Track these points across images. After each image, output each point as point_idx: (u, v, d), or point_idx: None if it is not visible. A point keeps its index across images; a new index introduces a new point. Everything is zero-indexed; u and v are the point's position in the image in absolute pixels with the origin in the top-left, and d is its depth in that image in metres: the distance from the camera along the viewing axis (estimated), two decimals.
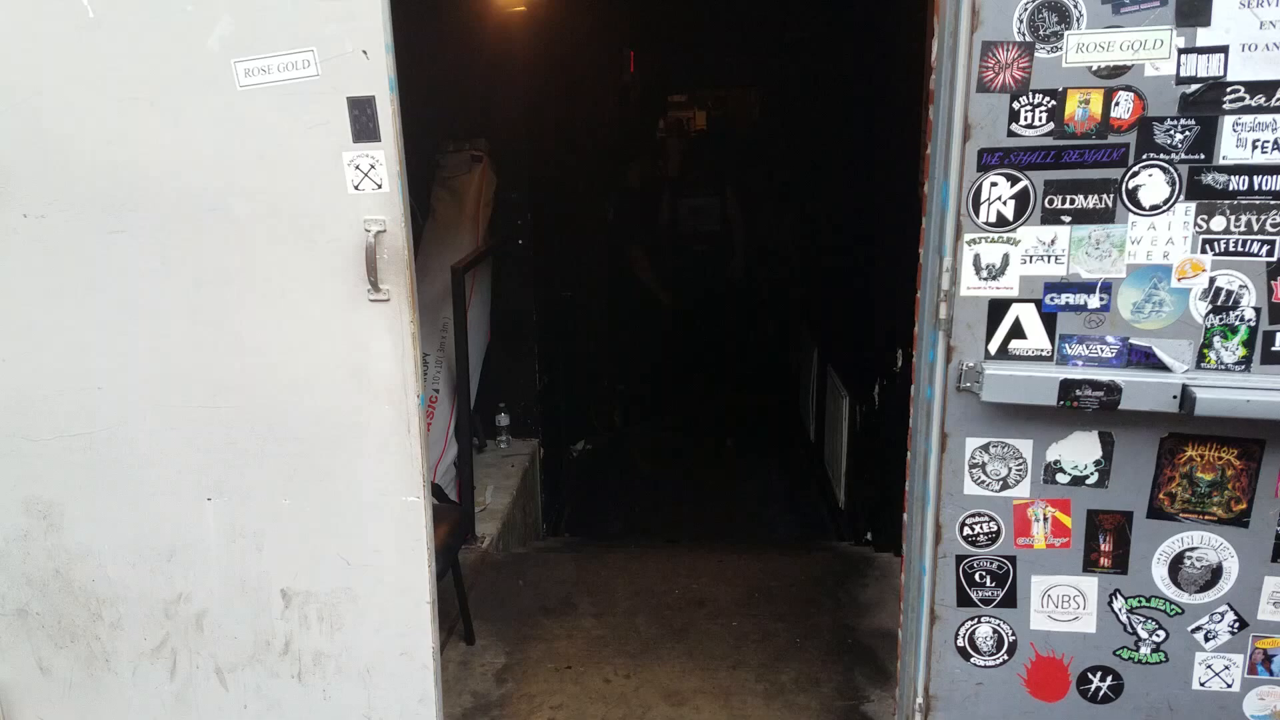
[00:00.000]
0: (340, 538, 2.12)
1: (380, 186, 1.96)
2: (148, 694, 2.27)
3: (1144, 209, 1.81)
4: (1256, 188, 1.76)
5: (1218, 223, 1.79)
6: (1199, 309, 1.83)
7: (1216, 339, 1.82)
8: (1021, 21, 1.77)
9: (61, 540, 2.19)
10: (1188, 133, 1.77)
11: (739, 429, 6.02)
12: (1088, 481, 1.91)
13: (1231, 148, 1.75)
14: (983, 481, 1.93)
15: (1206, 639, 1.98)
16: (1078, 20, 1.75)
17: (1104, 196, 1.82)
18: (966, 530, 1.96)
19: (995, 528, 1.95)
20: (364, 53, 1.90)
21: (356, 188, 1.97)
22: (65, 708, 2.32)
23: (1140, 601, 1.97)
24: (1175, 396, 1.80)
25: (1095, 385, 1.80)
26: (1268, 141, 1.74)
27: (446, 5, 3.71)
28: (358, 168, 1.96)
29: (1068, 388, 1.81)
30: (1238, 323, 1.81)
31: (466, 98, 3.85)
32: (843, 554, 3.72)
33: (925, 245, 2.00)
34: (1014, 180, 1.83)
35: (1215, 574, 1.93)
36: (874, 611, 3.13)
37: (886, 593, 3.23)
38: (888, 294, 3.86)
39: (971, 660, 2.04)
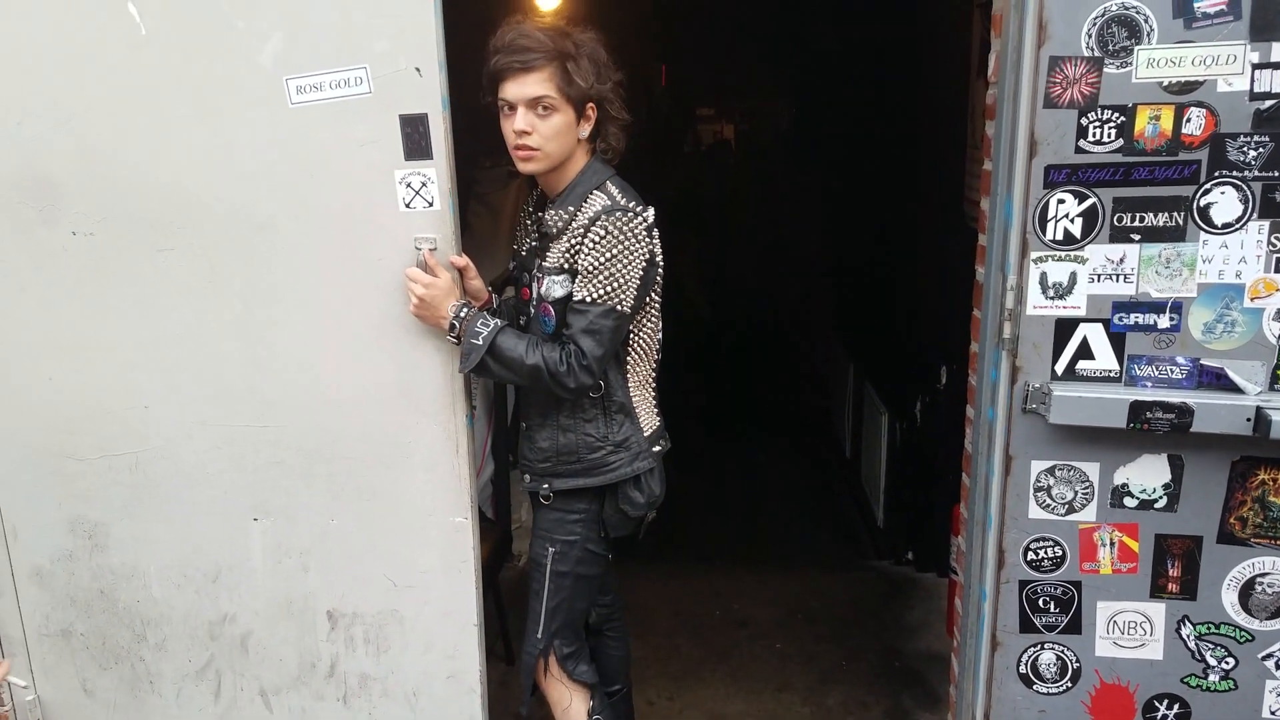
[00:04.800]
0: (387, 558, 2.10)
1: (431, 205, 1.94)
2: (191, 716, 2.25)
3: (1216, 227, 1.76)
4: None
5: None
6: (1273, 330, 1.77)
7: None
8: (1090, 36, 1.73)
9: (107, 560, 2.18)
10: (1261, 150, 1.72)
11: (769, 439, 5.96)
12: (1156, 505, 1.85)
13: None
14: (1048, 505, 1.88)
15: (1278, 667, 1.91)
16: (1148, 35, 1.70)
17: (1174, 214, 1.77)
18: (1030, 555, 1.90)
19: (1060, 552, 1.90)
20: (417, 70, 1.88)
21: (408, 205, 1.95)
22: None
23: (1209, 628, 1.91)
24: (1249, 419, 1.75)
25: (1166, 407, 1.75)
26: None
27: (484, 21, 3.70)
28: (409, 185, 1.94)
29: (1138, 410, 1.76)
30: None
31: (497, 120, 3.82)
32: (884, 574, 3.66)
33: (986, 263, 1.95)
34: (1082, 197, 1.79)
35: None
36: (920, 634, 3.07)
37: (932, 614, 3.17)
38: (930, 310, 3.81)
39: (1034, 688, 1.99)
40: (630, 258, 1.87)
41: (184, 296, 2.04)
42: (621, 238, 1.85)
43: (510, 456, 4.10)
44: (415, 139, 1.91)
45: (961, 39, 3.31)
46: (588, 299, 1.87)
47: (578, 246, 1.87)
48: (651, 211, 1.94)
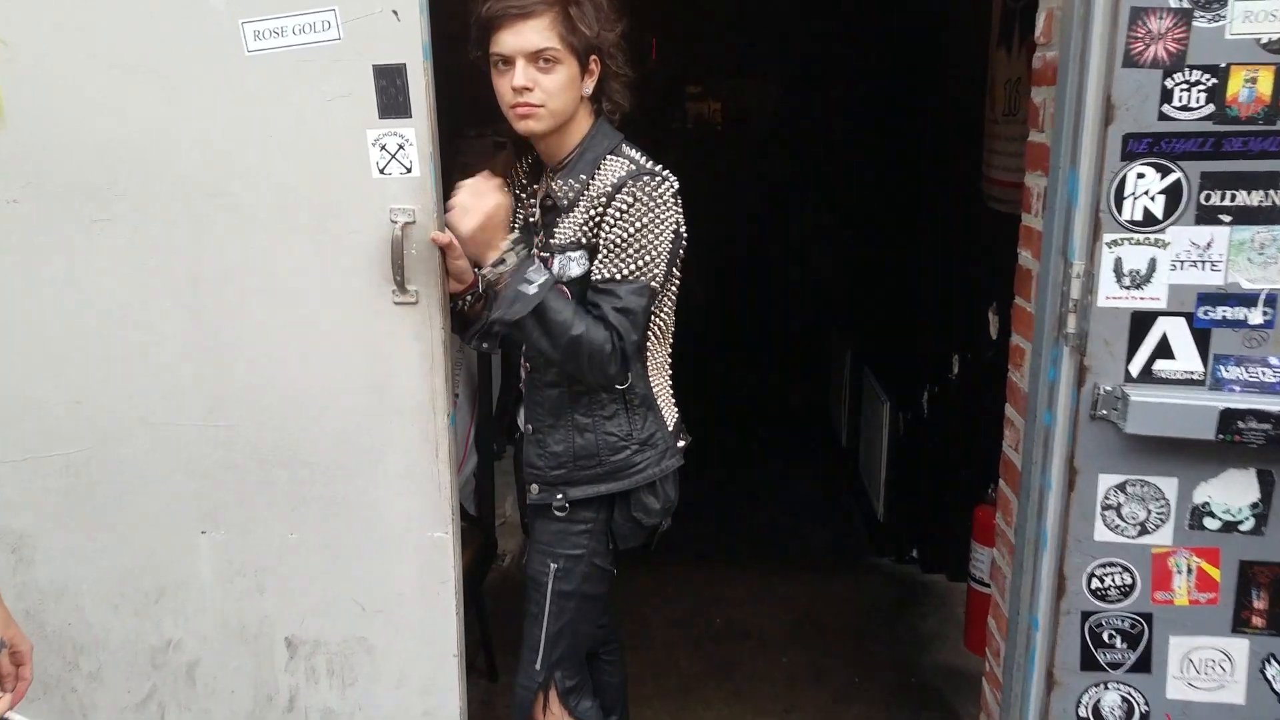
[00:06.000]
0: (355, 579, 1.84)
1: (410, 170, 1.68)
2: None
3: None
4: None
5: None
6: None
7: None
8: None
9: (33, 576, 1.90)
10: None
11: (763, 426, 5.73)
12: (1241, 528, 1.63)
13: None
14: (1116, 526, 1.65)
15: None
16: None
17: (1271, 193, 1.53)
18: (1095, 583, 1.67)
19: (1129, 580, 1.67)
20: (394, 13, 1.61)
21: (382, 171, 1.69)
22: None
23: None
24: None
25: (1262, 416, 1.52)
26: None
27: None
28: (384, 148, 1.68)
29: (1229, 419, 1.53)
30: None
31: (488, 79, 3.56)
32: (890, 575, 3.44)
33: (1043, 246, 1.71)
34: (1164, 171, 1.55)
35: None
36: (936, 645, 2.85)
37: (947, 624, 2.95)
38: (938, 293, 3.58)
39: None
40: (660, 227, 1.66)
41: (123, 275, 1.77)
42: (651, 205, 1.64)
43: (495, 446, 3.85)
44: (391, 93, 1.65)
45: (980, 5, 3.06)
46: (617, 275, 1.64)
47: (599, 217, 1.64)
48: (675, 178, 1.71)
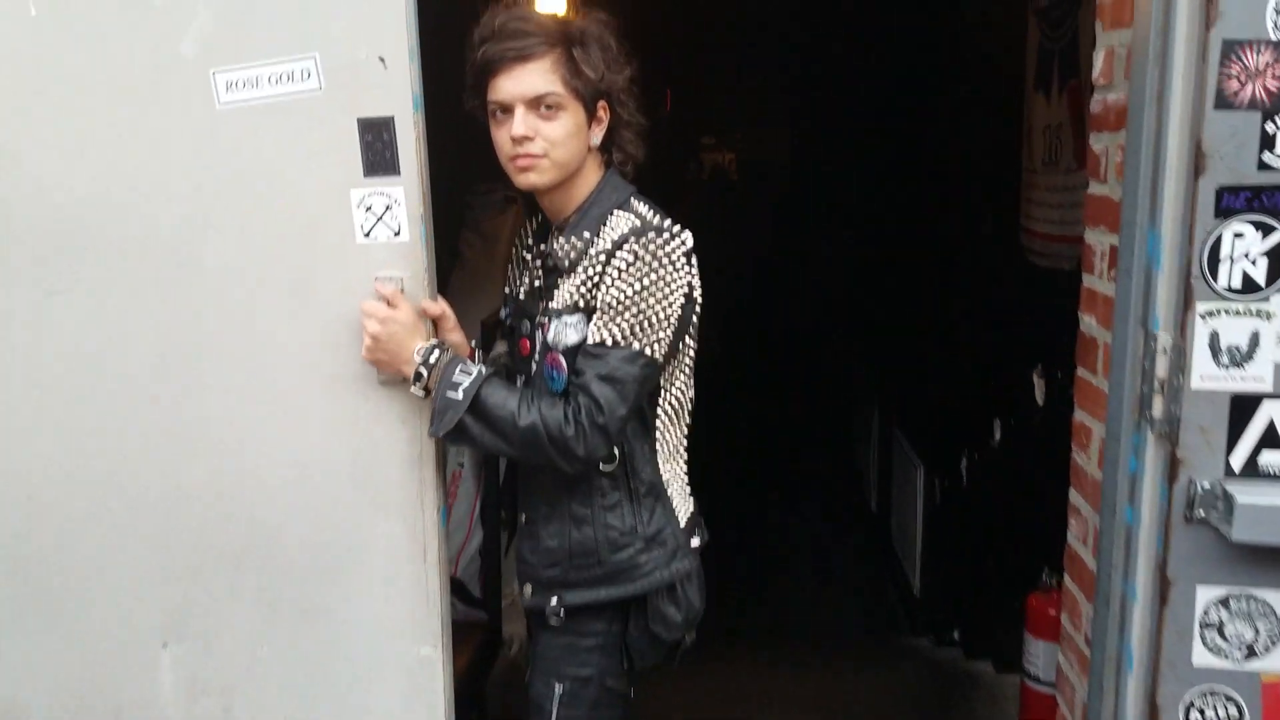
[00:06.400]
0: (332, 700, 1.61)
1: (398, 234, 1.50)
2: None
3: None
4: None
5: None
6: None
7: None
8: (1278, 13, 1.29)
9: None
10: None
11: (787, 488, 5.47)
12: None
13: None
14: (1219, 649, 1.41)
15: None
16: None
17: None
18: (1195, 715, 1.42)
19: (1235, 713, 1.42)
20: (381, 59, 1.44)
21: (367, 234, 1.50)
22: None
23: None
24: None
25: None
26: None
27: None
28: (369, 209, 1.49)
29: None
30: None
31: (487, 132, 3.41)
32: (932, 662, 3.17)
33: (1117, 314, 1.50)
34: (1267, 230, 1.33)
35: None
36: None
37: None
38: (975, 354, 3.36)
39: None
40: (665, 290, 1.45)
41: (81, 352, 1.58)
42: (655, 264, 1.44)
43: (501, 517, 3.62)
44: (378, 149, 1.47)
45: (1013, 47, 2.89)
46: (608, 340, 1.44)
47: (598, 278, 1.46)
48: (689, 235, 1.51)
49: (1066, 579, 1.87)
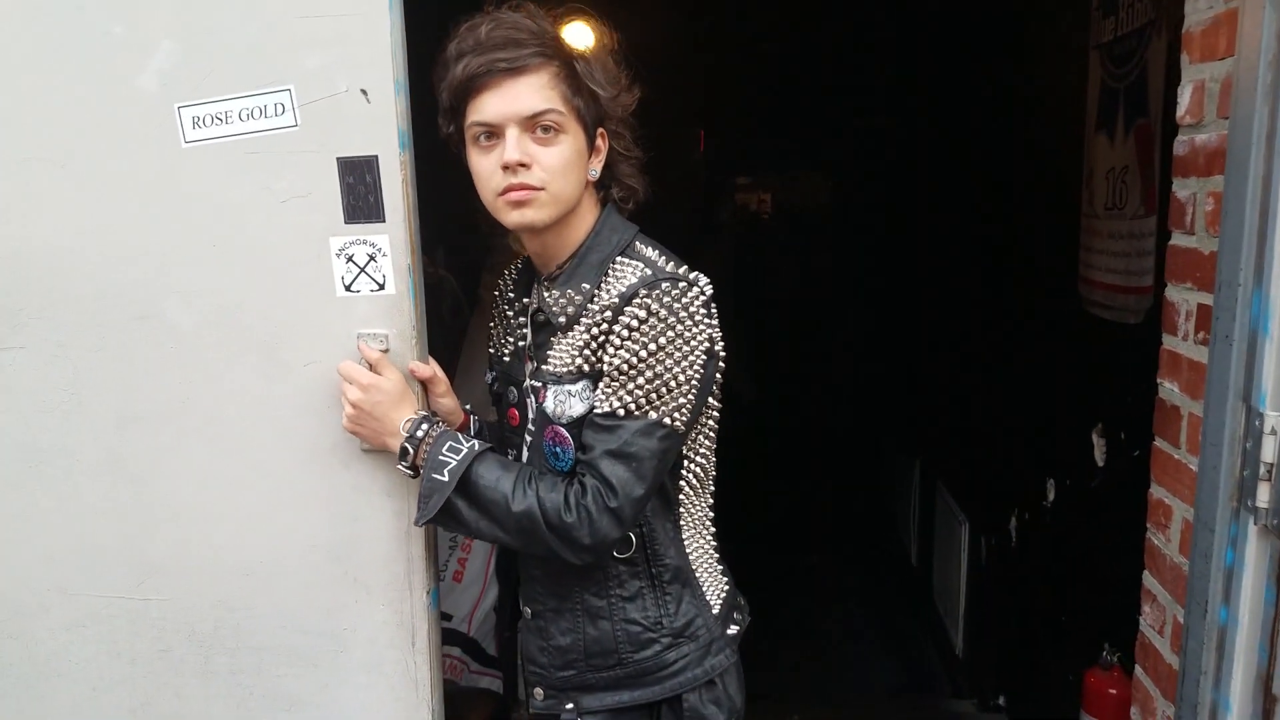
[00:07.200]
0: None
1: (382, 287, 1.34)
2: None
3: None
4: None
5: None
6: None
7: None
8: None
9: None
10: None
11: (823, 543, 5.23)
12: None
13: None
14: None
15: None
16: None
17: None
18: None
19: None
20: (363, 92, 1.29)
21: (349, 288, 1.35)
22: None
23: None
24: None
25: None
26: None
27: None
28: (351, 259, 1.34)
29: None
30: None
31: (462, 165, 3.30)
32: None
33: (1208, 385, 1.29)
34: None
35: None
36: None
37: None
38: (1025, 408, 3.14)
39: None
40: (685, 348, 1.24)
41: (36, 414, 1.43)
42: (673, 320, 1.23)
43: (518, 575, 3.44)
44: (360, 192, 1.31)
45: (1072, 86, 2.70)
46: (620, 409, 1.23)
47: (604, 337, 1.25)
48: (707, 282, 1.30)
49: (1139, 670, 1.65)
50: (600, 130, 1.31)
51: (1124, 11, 2.29)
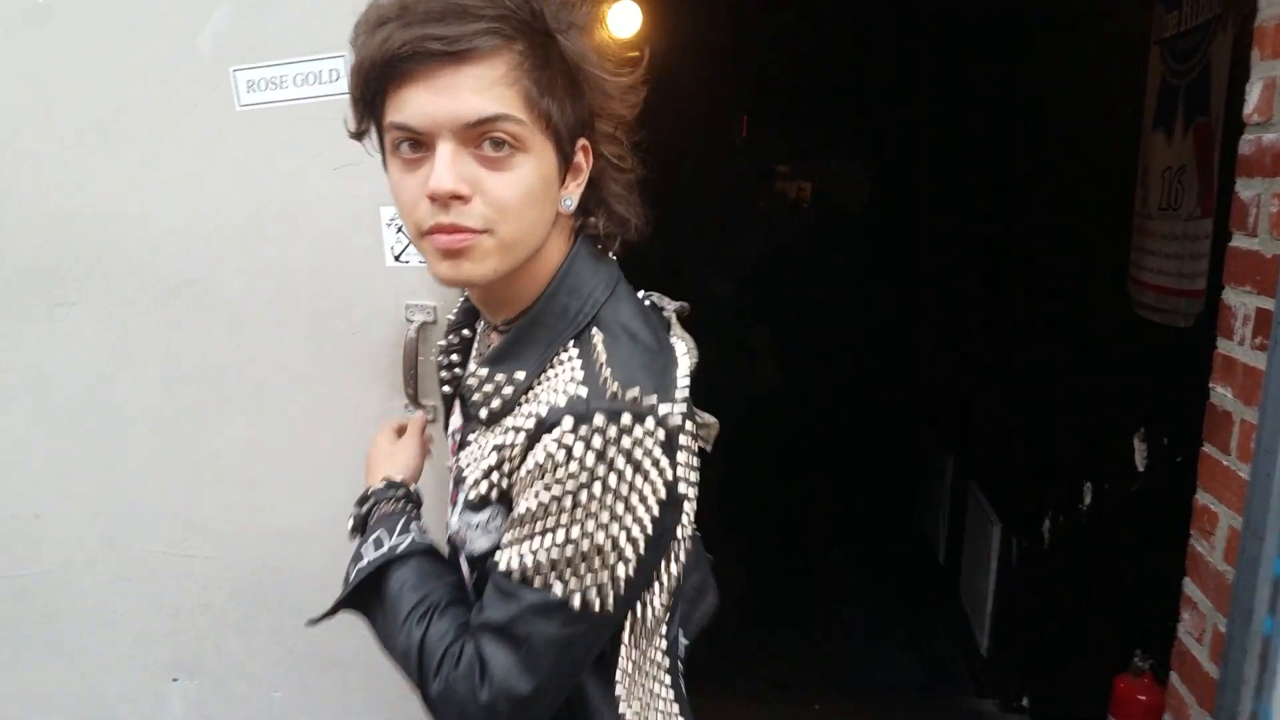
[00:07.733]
0: None
1: None
2: None
3: None
4: None
5: None
6: None
7: None
8: None
9: None
10: None
11: (847, 537, 5.21)
12: None
13: None
14: None
15: None
16: None
17: None
18: None
19: None
20: None
21: (398, 258, 1.35)
22: None
23: None
24: None
25: None
26: None
27: None
28: (401, 230, 1.34)
29: None
30: None
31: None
32: None
33: (1266, 392, 1.27)
34: None
35: None
36: None
37: None
38: (1067, 410, 3.10)
39: None
40: (617, 510, 0.82)
41: (87, 370, 1.46)
42: (602, 472, 0.81)
43: None
44: None
45: (1129, 81, 2.64)
46: (515, 571, 0.83)
47: (517, 461, 0.85)
48: (676, 407, 0.84)
49: (1174, 677, 1.63)
50: (582, 142, 0.88)
51: (1188, 6, 2.24)
